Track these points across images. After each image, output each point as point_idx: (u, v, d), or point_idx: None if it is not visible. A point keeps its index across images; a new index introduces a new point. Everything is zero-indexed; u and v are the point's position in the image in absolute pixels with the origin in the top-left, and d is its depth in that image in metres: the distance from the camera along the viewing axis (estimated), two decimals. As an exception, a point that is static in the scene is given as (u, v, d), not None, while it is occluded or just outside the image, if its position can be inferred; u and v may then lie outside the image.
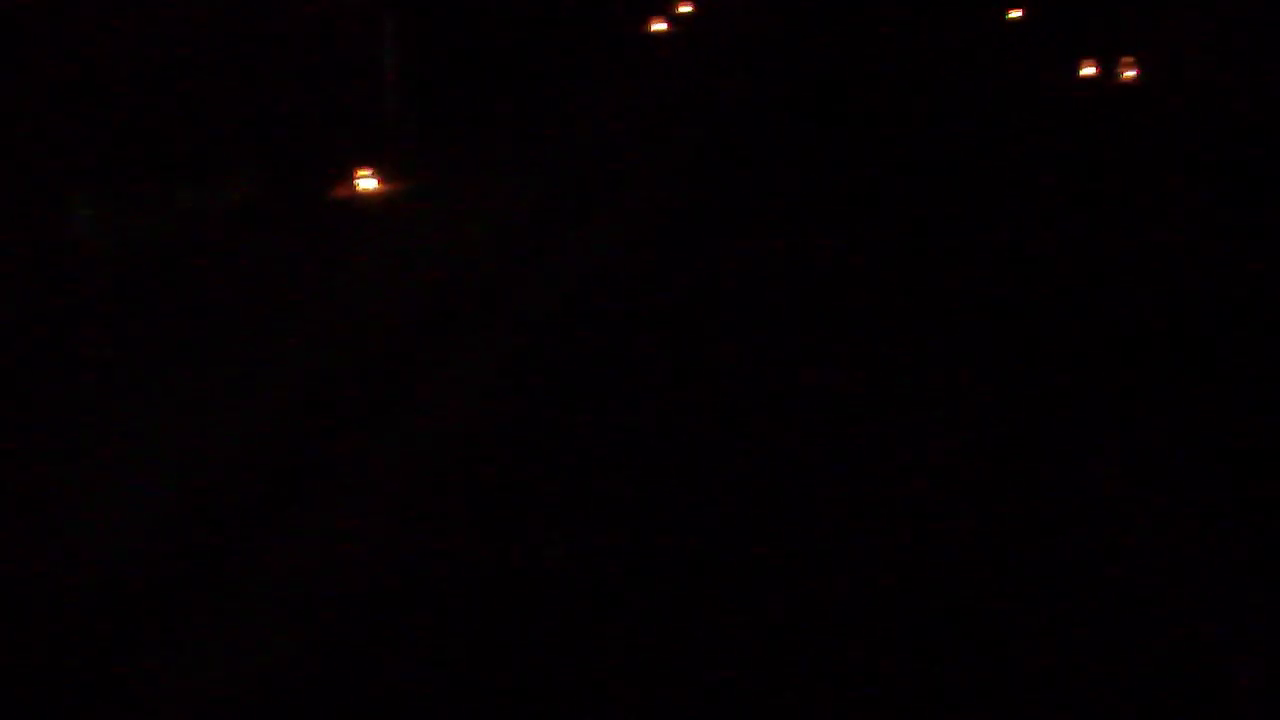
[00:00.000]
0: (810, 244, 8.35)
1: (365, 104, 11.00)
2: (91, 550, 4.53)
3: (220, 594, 4.41)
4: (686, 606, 4.33)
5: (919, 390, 6.05)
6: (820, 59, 16.15)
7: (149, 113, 8.68)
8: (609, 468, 5.32)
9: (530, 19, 15.26)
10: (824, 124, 12.54)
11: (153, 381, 6.13)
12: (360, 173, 9.49)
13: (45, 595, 4.21)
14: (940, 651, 4.09)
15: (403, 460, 5.50)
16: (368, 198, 9.30)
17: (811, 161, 10.85)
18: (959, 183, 10.08)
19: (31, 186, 7.35)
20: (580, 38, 16.08)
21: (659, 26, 17.43)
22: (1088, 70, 13.90)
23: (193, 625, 4.20)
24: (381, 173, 9.54)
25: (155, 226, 8.23)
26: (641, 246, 8.18)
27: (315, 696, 3.92)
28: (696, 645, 4.14)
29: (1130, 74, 13.29)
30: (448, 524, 4.89)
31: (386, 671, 4.01)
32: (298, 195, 9.15)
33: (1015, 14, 17.20)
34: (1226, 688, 3.87)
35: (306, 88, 10.01)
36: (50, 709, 3.81)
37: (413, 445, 5.65)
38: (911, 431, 5.55)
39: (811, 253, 7.97)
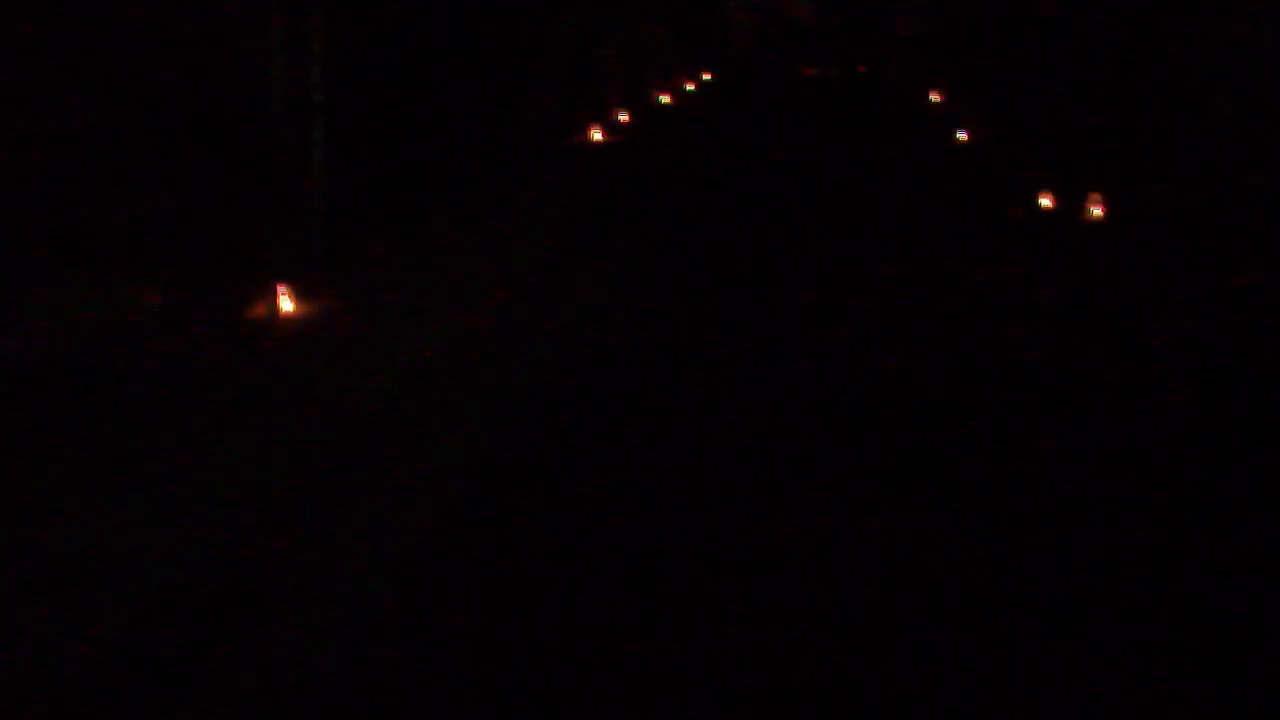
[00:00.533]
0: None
1: (287, 200, 9.82)
2: None
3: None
4: None
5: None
6: (762, 178, 15.28)
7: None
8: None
9: (466, 116, 14.23)
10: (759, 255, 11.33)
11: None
12: (282, 289, 8.22)
13: None
14: None
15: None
16: (289, 320, 8.01)
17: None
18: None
19: None
20: (517, 144, 15.07)
21: (597, 136, 16.47)
22: (1045, 202, 11.65)
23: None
24: (307, 284, 8.31)
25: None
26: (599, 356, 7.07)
27: None
28: None
29: (1096, 211, 11.22)
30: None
31: None
32: (202, 311, 7.88)
33: (961, 136, 16.48)
34: None
35: (212, 182, 8.82)
36: None
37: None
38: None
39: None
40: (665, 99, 21.30)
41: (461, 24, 15.02)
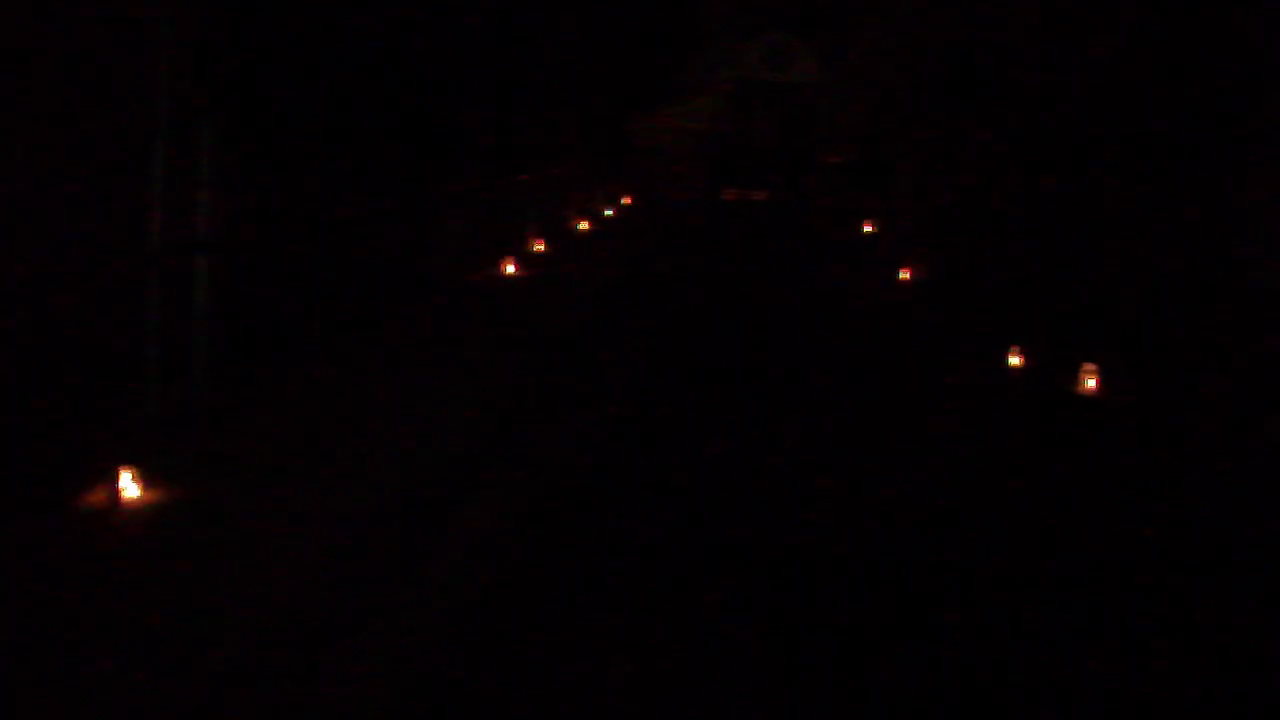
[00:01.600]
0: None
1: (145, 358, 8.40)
2: None
3: None
4: None
5: None
6: (686, 327, 14.11)
7: None
8: None
9: (372, 247, 12.90)
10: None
11: None
12: (123, 472, 6.73)
13: None
14: None
15: None
16: (132, 510, 6.51)
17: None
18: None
19: None
20: (425, 278, 13.71)
21: (510, 269, 15.16)
22: (1014, 360, 10.06)
23: None
24: (164, 460, 6.86)
25: None
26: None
27: None
28: None
29: (1090, 383, 9.38)
30: None
31: None
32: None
33: (904, 274, 15.38)
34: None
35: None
36: None
37: None
38: None
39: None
40: (583, 225, 20.12)
41: (370, 144, 13.75)
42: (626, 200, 24.56)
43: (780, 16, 32.26)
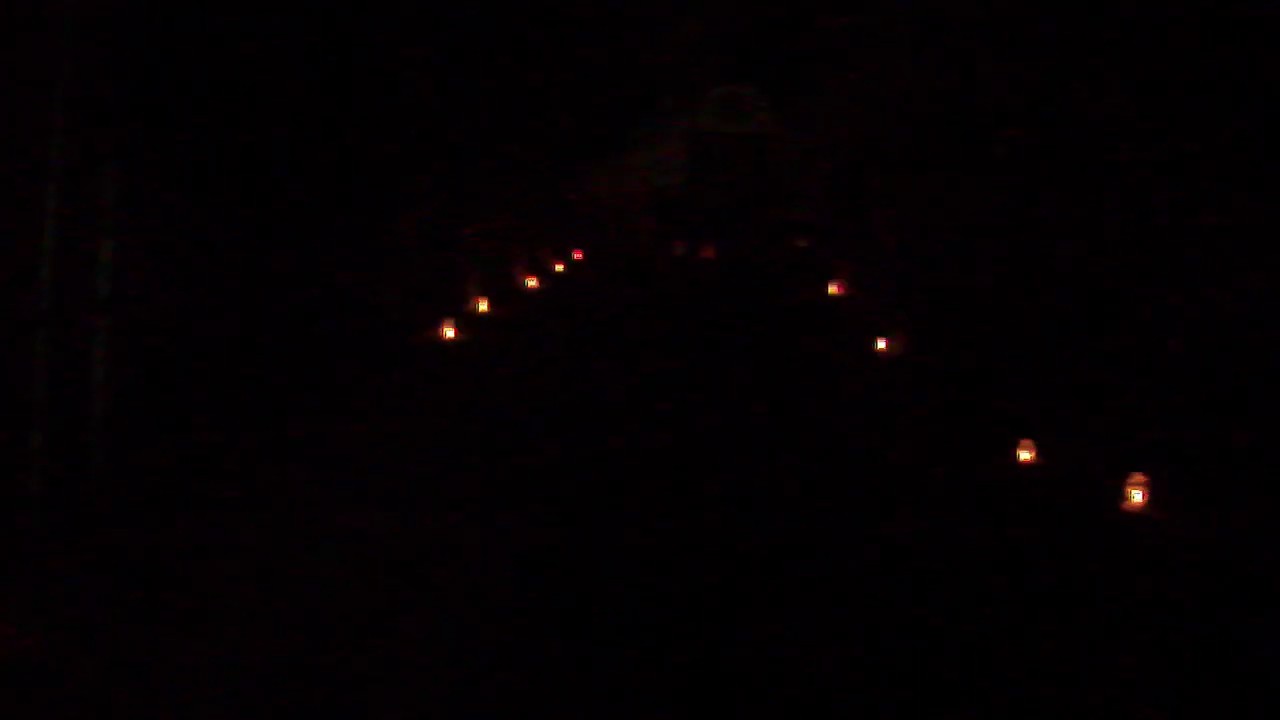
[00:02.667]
0: None
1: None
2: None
3: None
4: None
5: None
6: (640, 402, 12.80)
7: None
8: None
9: (295, 310, 11.51)
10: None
11: None
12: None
13: None
14: None
15: None
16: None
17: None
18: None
19: None
20: (357, 342, 12.30)
21: (449, 332, 13.77)
22: (1024, 455, 8.95)
23: None
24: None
25: None
26: None
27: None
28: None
29: (1137, 496, 7.63)
30: None
31: None
32: None
33: (880, 344, 14.10)
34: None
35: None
36: None
37: None
38: None
39: None
40: (531, 283, 18.75)
41: (301, 192, 12.38)
42: (577, 255, 23.22)
43: (734, 68, 31.18)
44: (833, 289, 18.73)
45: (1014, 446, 8.90)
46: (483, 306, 15.80)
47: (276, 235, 11.85)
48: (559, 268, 21.20)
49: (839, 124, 24.93)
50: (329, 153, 12.51)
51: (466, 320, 14.73)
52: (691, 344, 14.29)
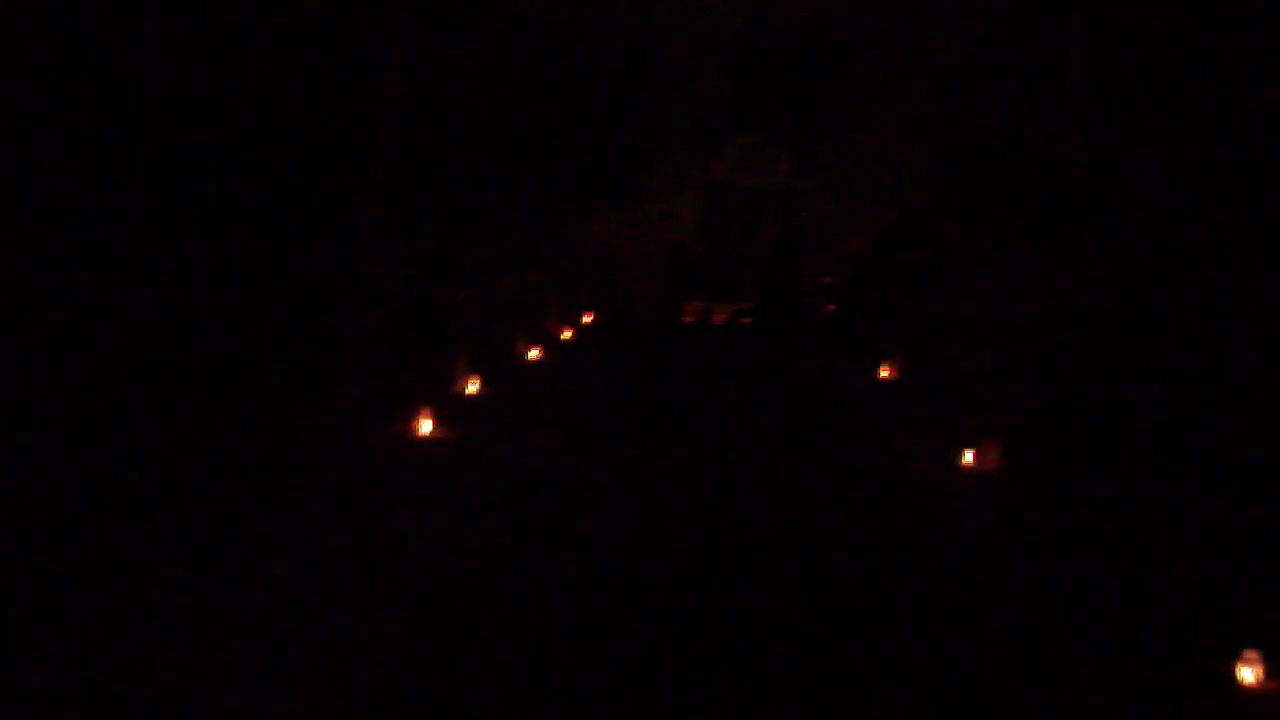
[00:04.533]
0: None
1: None
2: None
3: None
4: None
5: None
6: (660, 525, 9.67)
7: None
8: None
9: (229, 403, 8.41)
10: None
11: None
12: None
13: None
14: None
15: None
16: None
17: None
18: None
19: None
20: (304, 447, 9.16)
21: (426, 426, 10.62)
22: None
23: None
24: None
25: None
26: None
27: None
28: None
29: (1249, 675, 6.03)
30: None
31: None
32: None
33: (967, 458, 10.96)
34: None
35: None
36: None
37: None
38: None
39: None
40: (533, 354, 15.62)
41: (244, 243, 9.36)
42: (587, 318, 20.11)
43: (755, 118, 28.29)
44: (884, 371, 15.56)
45: (1236, 659, 5.77)
46: (471, 388, 12.65)
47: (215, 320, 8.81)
48: (566, 334, 18.09)
49: (880, 173, 21.94)
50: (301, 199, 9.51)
51: (450, 408, 11.58)
52: (717, 458, 11.12)
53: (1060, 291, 10.82)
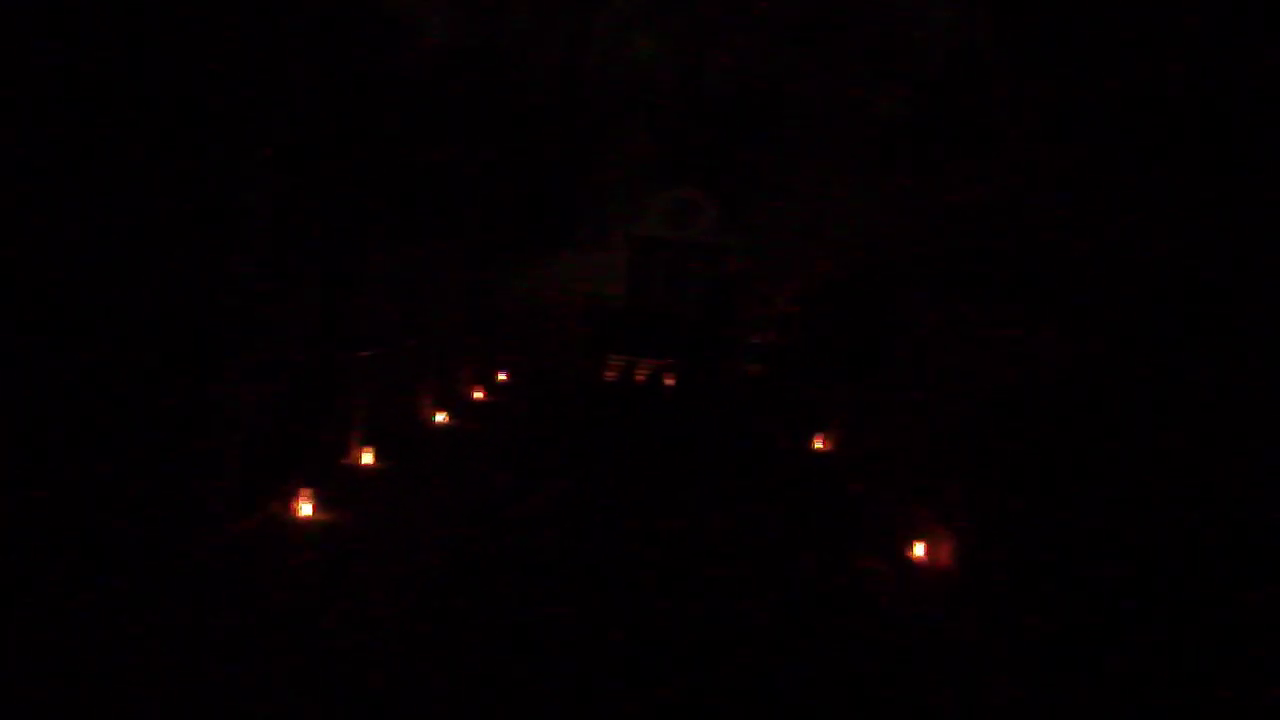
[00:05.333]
0: None
1: None
2: None
3: None
4: None
5: None
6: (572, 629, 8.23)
7: None
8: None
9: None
10: None
11: None
12: None
13: None
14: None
15: None
16: None
17: None
18: None
19: None
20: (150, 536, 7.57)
21: (306, 509, 9.04)
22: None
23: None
24: None
25: None
26: None
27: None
28: None
29: None
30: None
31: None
32: None
33: (918, 552, 9.62)
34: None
35: None
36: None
37: None
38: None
39: None
40: (440, 417, 14.14)
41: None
42: (503, 377, 18.67)
43: (683, 173, 27.11)
44: (818, 442, 14.24)
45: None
46: (367, 458, 11.16)
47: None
48: (478, 395, 16.63)
49: (815, 229, 20.74)
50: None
51: (339, 482, 10.09)
52: (639, 541, 9.72)
53: (1029, 359, 9.56)
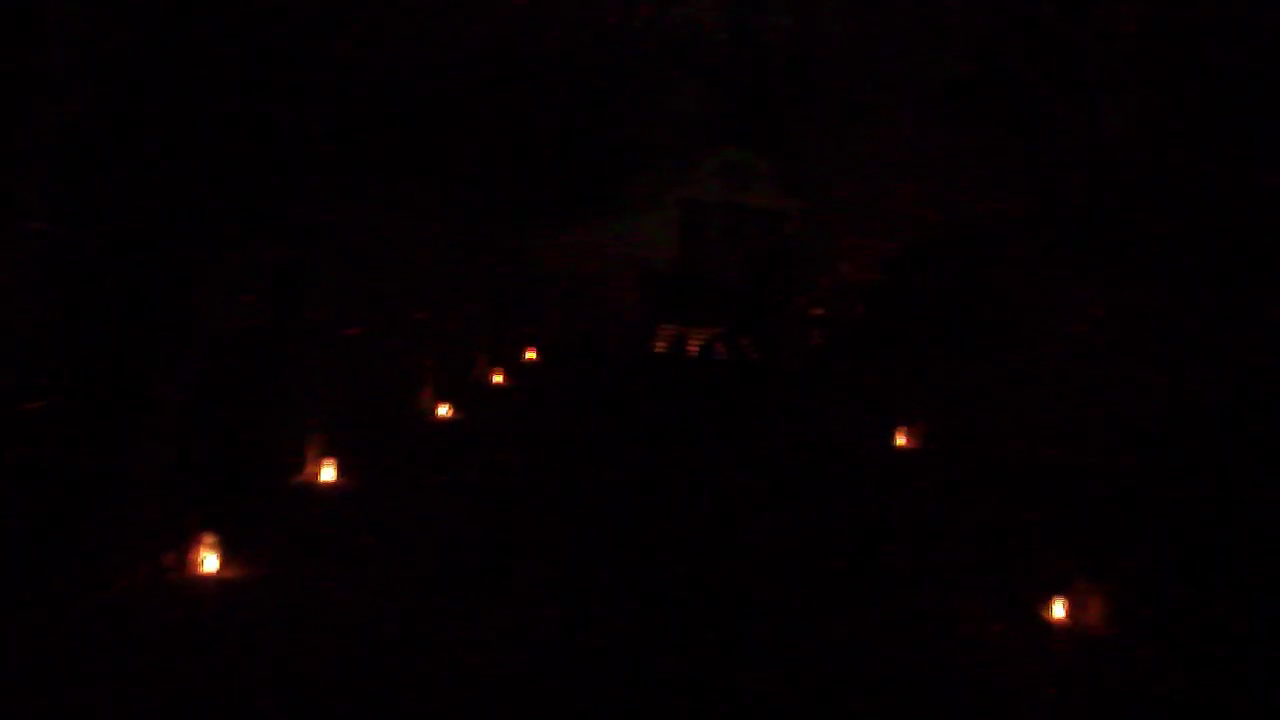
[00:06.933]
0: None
1: None
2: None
3: None
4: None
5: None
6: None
7: None
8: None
9: None
10: None
11: None
12: None
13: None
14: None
15: None
16: None
17: None
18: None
19: None
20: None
21: (209, 562, 6.35)
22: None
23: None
24: None
25: None
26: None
27: None
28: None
29: None
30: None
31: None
32: None
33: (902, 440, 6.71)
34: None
35: None
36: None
37: None
38: None
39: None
40: (443, 410, 11.42)
41: None
42: (530, 354, 15.92)
43: (737, 132, 24.28)
44: (900, 439, 11.38)
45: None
46: (327, 473, 8.43)
47: None
48: (497, 379, 13.90)
49: (880, 194, 17.80)
50: None
51: (278, 510, 7.38)
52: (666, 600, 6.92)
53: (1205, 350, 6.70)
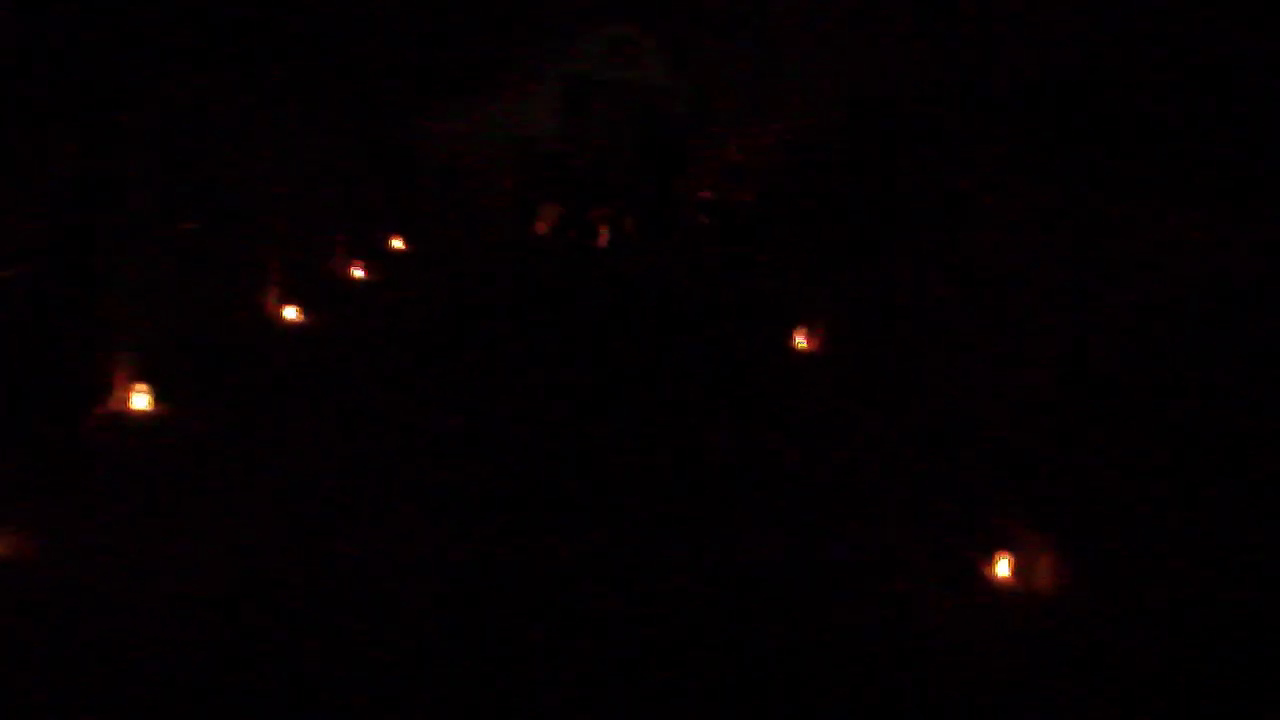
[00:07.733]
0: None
1: None
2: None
3: None
4: None
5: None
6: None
7: None
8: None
9: None
10: None
11: None
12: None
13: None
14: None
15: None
16: None
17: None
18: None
19: None
20: None
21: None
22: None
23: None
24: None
25: None
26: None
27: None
28: None
29: None
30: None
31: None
32: None
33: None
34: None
35: None
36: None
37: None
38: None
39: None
40: (290, 313, 9.98)
41: None
42: (397, 243, 14.44)
43: (623, 6, 22.81)
44: (800, 339, 10.24)
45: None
46: (140, 401, 7.02)
47: None
48: (358, 273, 12.44)
49: (780, 77, 16.61)
50: None
51: (65, 453, 5.98)
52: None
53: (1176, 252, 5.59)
